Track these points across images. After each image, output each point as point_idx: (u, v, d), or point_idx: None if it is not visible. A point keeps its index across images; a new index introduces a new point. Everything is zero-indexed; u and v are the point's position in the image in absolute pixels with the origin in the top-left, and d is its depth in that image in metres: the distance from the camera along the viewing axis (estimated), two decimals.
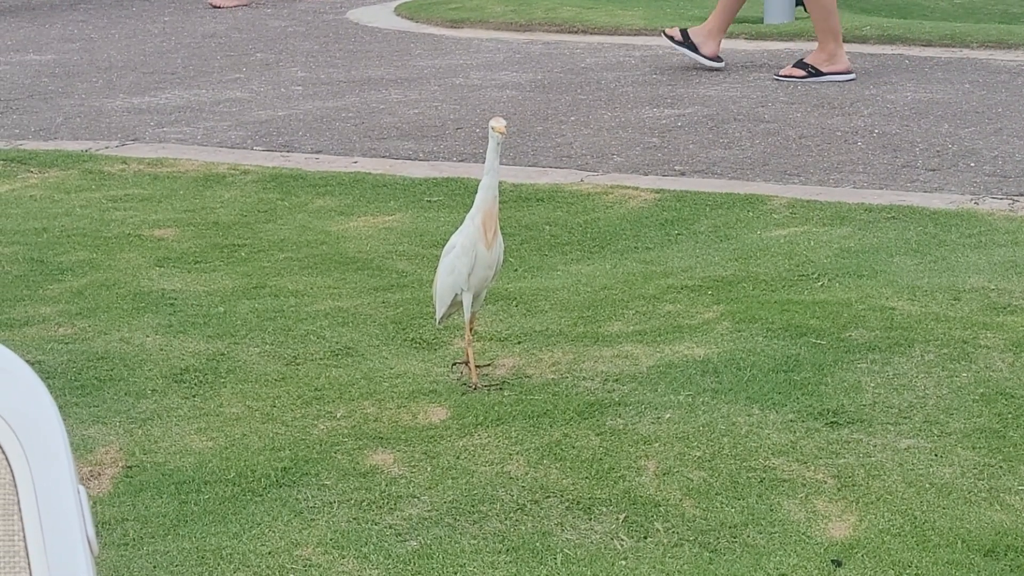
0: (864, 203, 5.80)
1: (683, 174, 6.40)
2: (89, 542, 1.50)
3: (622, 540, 3.39)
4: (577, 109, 7.76)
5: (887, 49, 9.50)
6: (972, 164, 6.43)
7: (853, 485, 3.59)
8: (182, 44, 10.20)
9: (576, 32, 10.41)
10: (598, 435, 3.83)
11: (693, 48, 8.52)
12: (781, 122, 7.33)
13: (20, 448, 1.55)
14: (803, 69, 8.17)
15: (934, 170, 6.38)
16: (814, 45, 9.73)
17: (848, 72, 8.17)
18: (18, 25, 11.24)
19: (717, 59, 8.51)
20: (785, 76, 8.21)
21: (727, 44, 9.82)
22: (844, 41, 9.78)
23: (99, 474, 3.75)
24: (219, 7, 11.87)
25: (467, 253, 4.02)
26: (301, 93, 8.36)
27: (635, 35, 10.23)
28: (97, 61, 9.54)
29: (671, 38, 8.60)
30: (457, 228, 4.14)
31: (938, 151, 6.70)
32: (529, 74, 8.82)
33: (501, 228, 4.19)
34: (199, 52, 9.84)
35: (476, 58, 9.44)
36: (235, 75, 8.99)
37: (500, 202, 4.12)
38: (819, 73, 8.12)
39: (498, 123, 3.93)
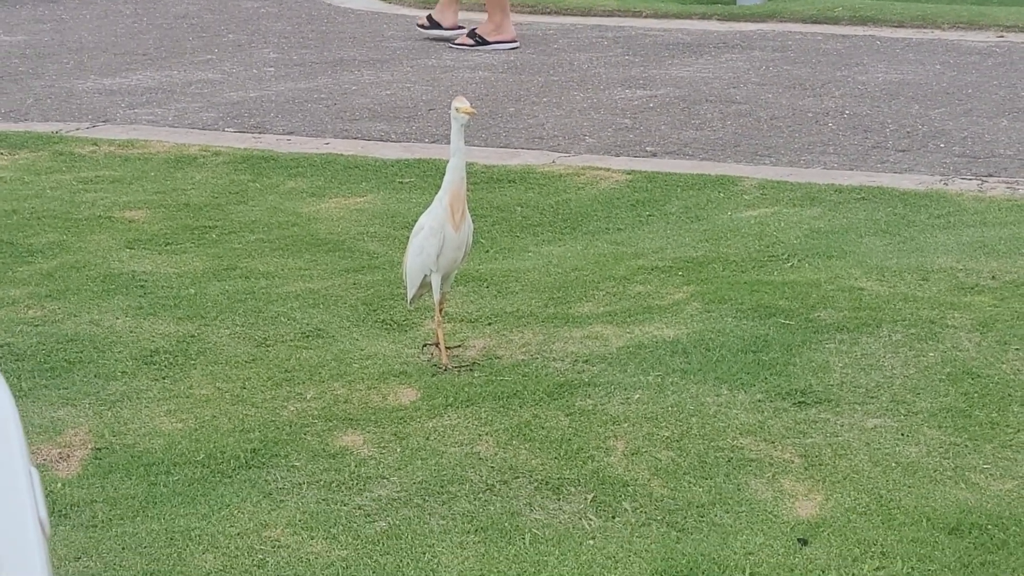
0: (834, 184, 5.82)
1: (654, 155, 6.41)
2: (41, 523, 1.50)
3: (590, 520, 3.40)
4: (549, 90, 7.76)
5: (859, 30, 9.52)
6: (942, 145, 6.46)
7: (820, 464, 3.61)
8: (154, 25, 10.16)
9: (549, 13, 10.40)
10: (567, 416, 3.84)
11: (438, 26, 9.19)
12: (752, 103, 7.35)
13: None
14: (473, 39, 8.94)
15: (904, 151, 6.40)
16: (790, 26, 9.77)
17: (513, 41, 8.94)
18: None
19: (457, 27, 9.17)
20: (459, 44, 8.95)
21: (700, 25, 9.84)
22: (817, 22, 9.83)
23: (68, 456, 3.74)
24: None
25: (435, 234, 4.02)
26: (273, 74, 8.35)
27: (608, 16, 10.23)
28: (68, 42, 9.50)
29: (422, 27, 9.26)
30: (427, 209, 4.14)
31: (908, 132, 6.72)
32: (501, 56, 8.81)
33: (471, 209, 4.19)
34: (171, 33, 9.81)
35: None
36: (207, 56, 8.96)
37: (471, 183, 4.13)
38: (486, 42, 8.90)
39: (461, 103, 3.93)
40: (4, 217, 5.63)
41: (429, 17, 9.25)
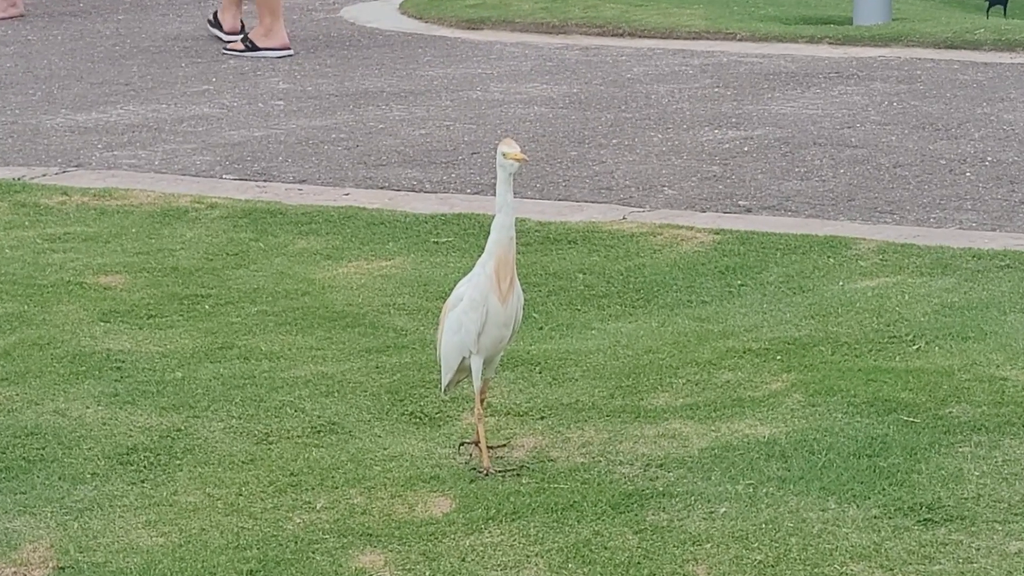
0: (972, 248, 5.82)
1: (749, 211, 6.43)
2: None
3: None
4: (620, 130, 7.81)
5: (1004, 57, 9.54)
6: None
7: None
8: (139, 48, 10.30)
9: (621, 35, 10.47)
10: (636, 533, 3.85)
11: (220, 26, 10.20)
12: (871, 147, 7.37)
13: None
14: (245, 44, 9.89)
15: None
16: (920, 51, 9.80)
17: (286, 48, 9.86)
18: None
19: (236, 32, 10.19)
20: (229, 50, 9.92)
21: (808, 50, 9.88)
22: (953, 47, 9.86)
23: None
24: None
25: (476, 308, 4.05)
26: (283, 109, 8.44)
27: (694, 39, 10.29)
28: (35, 69, 9.64)
29: (210, 23, 10.33)
30: (466, 276, 4.18)
31: None
32: (563, 87, 8.88)
33: (522, 277, 4.22)
34: (159, 59, 9.94)
35: (498, 67, 9.51)
36: (203, 87, 9.07)
37: (522, 245, 4.17)
38: (256, 48, 9.85)
39: (509, 147, 3.97)
40: None
41: (215, 14, 10.31)
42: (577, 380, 4.75)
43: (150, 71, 9.55)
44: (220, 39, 10.16)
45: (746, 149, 7.39)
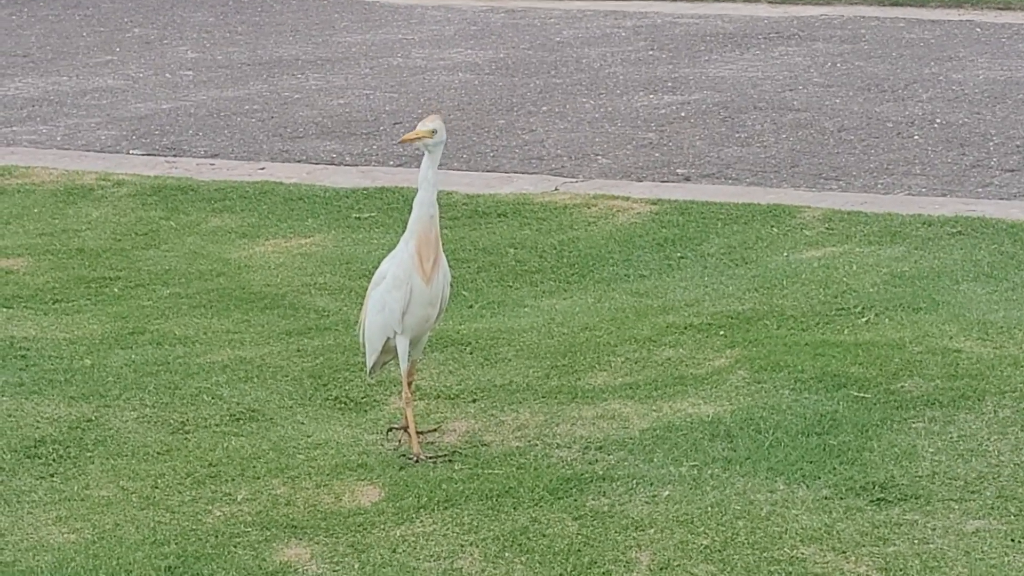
0: (922, 214, 5.86)
1: (687, 179, 6.45)
2: None
3: None
4: (551, 96, 7.82)
5: (952, 14, 9.60)
6: None
7: None
8: (36, 17, 10.23)
9: None
10: (576, 519, 3.86)
11: None
12: (815, 110, 7.40)
13: None
14: None
15: (1013, 171, 6.45)
16: (864, 9, 9.84)
17: None
18: None
19: None
20: None
21: (746, 9, 9.91)
22: (899, 4, 9.90)
23: None
24: None
25: (400, 286, 4.05)
26: (192, 79, 8.41)
27: None
28: None
29: None
30: (391, 252, 4.18)
31: (1018, 146, 6.78)
32: (488, 51, 8.88)
33: (449, 253, 4.23)
34: (59, 27, 9.88)
35: (419, 31, 9.51)
36: (106, 57, 9.02)
37: (449, 219, 4.17)
38: None
39: (426, 125, 4.00)
40: None
41: None
42: (510, 360, 4.76)
43: (49, 41, 9.50)
44: None
45: (683, 114, 7.42)
